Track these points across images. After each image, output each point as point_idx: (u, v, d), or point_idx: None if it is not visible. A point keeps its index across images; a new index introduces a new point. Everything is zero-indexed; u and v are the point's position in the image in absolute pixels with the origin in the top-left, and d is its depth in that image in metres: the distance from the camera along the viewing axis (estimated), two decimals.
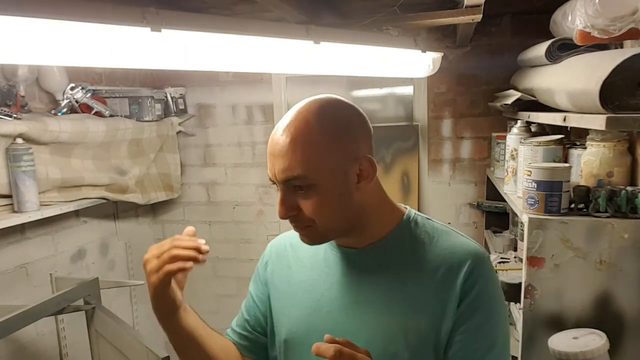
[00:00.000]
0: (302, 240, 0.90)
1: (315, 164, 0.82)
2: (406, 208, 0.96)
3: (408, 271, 0.88)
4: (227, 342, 1.04)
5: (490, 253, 2.26)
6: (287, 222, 0.89)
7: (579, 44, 1.31)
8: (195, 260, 0.81)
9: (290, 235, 1.03)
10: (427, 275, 0.86)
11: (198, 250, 0.82)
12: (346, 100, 0.90)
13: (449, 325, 0.84)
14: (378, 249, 0.91)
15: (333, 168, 0.84)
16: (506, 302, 1.76)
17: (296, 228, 0.89)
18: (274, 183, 0.87)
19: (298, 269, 0.99)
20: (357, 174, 0.85)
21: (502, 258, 2.06)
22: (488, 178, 2.50)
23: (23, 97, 2.09)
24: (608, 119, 1.03)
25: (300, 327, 0.94)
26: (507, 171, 1.80)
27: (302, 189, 0.83)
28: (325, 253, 0.96)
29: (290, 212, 0.85)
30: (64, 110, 2.25)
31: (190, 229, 0.86)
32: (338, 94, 0.91)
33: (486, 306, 0.85)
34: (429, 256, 0.88)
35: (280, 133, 0.84)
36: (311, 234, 0.89)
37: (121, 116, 2.54)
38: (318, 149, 0.83)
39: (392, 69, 2.06)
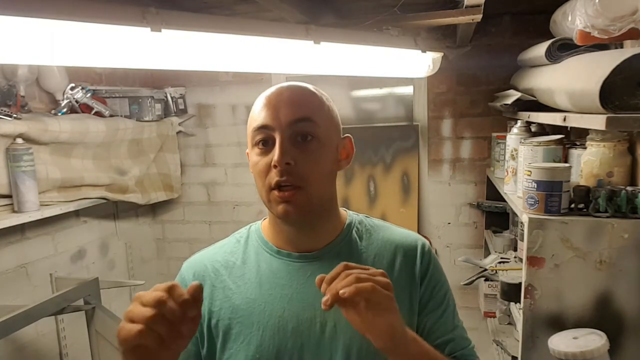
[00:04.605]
0: (285, 211, 0.82)
1: (321, 117, 0.86)
2: (345, 210, 0.98)
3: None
4: None
5: (490, 253, 2.26)
6: None
7: (579, 44, 1.31)
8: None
9: (208, 258, 0.93)
10: (386, 268, 0.87)
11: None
12: None
13: (416, 307, 0.90)
14: (333, 250, 0.90)
15: (332, 129, 0.88)
16: None
17: (284, 190, 0.81)
18: (261, 140, 0.83)
19: (244, 289, 0.89)
20: (341, 150, 0.90)
21: (502, 258, 2.05)
22: (488, 178, 2.50)
23: (23, 97, 2.09)
24: (608, 119, 1.03)
25: (267, 351, 0.85)
26: (507, 171, 1.80)
27: (305, 138, 0.83)
28: (272, 265, 0.90)
29: (288, 159, 0.80)
30: (64, 110, 2.25)
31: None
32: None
33: (441, 281, 0.94)
34: (381, 250, 0.92)
35: (284, 88, 0.86)
36: (299, 198, 0.82)
37: (121, 116, 2.54)
38: (323, 106, 0.88)
39: (392, 69, 2.06)
